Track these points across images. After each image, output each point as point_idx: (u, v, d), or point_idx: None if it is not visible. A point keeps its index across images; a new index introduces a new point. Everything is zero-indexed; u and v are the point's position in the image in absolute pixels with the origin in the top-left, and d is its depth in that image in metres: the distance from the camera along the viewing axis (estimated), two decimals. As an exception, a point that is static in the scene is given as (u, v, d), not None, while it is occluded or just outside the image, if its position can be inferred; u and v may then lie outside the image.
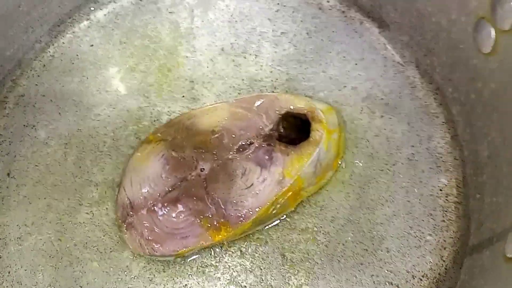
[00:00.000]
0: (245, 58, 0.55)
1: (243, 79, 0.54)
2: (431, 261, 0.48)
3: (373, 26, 0.55)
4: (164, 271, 0.48)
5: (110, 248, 0.48)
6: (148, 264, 0.48)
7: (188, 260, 0.48)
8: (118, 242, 0.49)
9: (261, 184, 0.46)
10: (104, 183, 0.50)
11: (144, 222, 0.47)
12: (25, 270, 0.48)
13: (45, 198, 0.50)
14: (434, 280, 0.47)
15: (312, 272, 0.48)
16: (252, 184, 0.47)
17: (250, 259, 0.48)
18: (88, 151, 0.52)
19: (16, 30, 0.53)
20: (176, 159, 0.48)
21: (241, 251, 0.48)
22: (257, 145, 0.48)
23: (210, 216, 0.46)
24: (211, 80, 0.54)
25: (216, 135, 0.49)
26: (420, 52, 0.53)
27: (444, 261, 0.48)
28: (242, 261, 0.48)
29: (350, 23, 0.56)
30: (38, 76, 0.54)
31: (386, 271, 0.47)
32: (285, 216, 0.49)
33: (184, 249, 0.46)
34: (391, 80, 0.53)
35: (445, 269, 0.48)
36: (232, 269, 0.48)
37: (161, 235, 0.46)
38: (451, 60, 0.49)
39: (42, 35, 0.55)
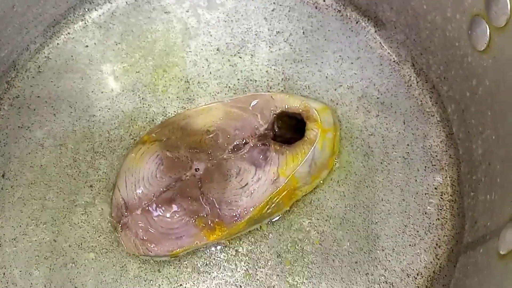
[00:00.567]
0: (240, 57, 0.55)
1: (238, 79, 0.54)
2: (426, 259, 0.48)
3: (369, 25, 0.55)
4: (159, 271, 0.48)
5: (105, 249, 0.48)
6: (143, 264, 0.48)
7: (183, 260, 0.48)
8: (113, 243, 0.49)
9: (256, 183, 0.46)
10: (99, 184, 0.50)
11: (139, 222, 0.47)
12: (20, 271, 0.48)
13: (40, 199, 0.50)
14: (429, 278, 0.47)
15: (307, 271, 0.47)
16: (246, 184, 0.46)
17: (245, 258, 0.48)
18: (83, 152, 0.52)
19: (11, 31, 0.53)
20: (170, 159, 0.48)
21: (236, 250, 0.48)
22: (252, 145, 0.48)
23: (205, 216, 0.46)
24: (207, 80, 0.54)
25: (210, 135, 0.49)
26: (415, 51, 0.53)
27: (438, 259, 0.48)
28: (237, 261, 0.48)
29: (346, 22, 0.56)
30: (33, 77, 0.54)
31: (381, 270, 0.47)
32: (280, 215, 0.49)
33: (179, 249, 0.46)
34: (387, 79, 0.53)
35: (440, 267, 0.48)
36: (227, 268, 0.48)
37: (156, 235, 0.46)
38: (447, 58, 0.49)
39: (37, 36, 0.55)
